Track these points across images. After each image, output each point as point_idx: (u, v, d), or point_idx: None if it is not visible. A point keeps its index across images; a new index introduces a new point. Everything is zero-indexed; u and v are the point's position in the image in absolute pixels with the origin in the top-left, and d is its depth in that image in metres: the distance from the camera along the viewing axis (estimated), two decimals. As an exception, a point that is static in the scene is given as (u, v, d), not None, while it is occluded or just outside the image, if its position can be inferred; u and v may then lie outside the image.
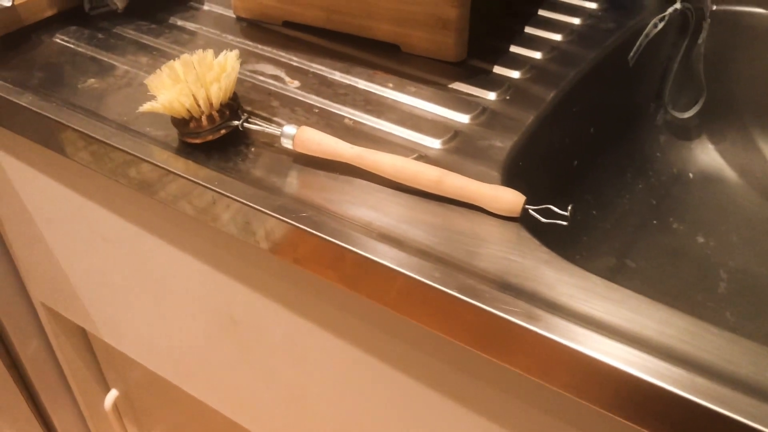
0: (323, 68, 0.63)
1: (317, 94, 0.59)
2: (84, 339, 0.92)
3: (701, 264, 0.69)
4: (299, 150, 0.51)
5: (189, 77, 0.50)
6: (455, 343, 0.43)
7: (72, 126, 0.55)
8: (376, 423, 0.57)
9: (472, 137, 0.55)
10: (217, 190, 0.48)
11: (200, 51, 0.52)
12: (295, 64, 0.64)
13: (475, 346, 0.42)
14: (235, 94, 0.53)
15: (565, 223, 0.46)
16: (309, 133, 0.50)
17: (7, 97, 0.58)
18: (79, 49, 0.65)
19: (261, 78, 0.61)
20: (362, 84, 0.61)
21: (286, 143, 0.51)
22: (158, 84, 0.51)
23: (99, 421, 1.02)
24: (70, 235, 0.70)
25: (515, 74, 0.63)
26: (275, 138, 0.53)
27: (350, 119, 0.56)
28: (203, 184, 0.49)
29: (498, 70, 0.63)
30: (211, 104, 0.50)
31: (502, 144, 0.54)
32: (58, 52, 0.65)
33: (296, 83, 0.61)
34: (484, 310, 0.39)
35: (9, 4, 0.63)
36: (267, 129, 0.52)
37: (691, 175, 0.79)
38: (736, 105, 0.77)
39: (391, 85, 0.60)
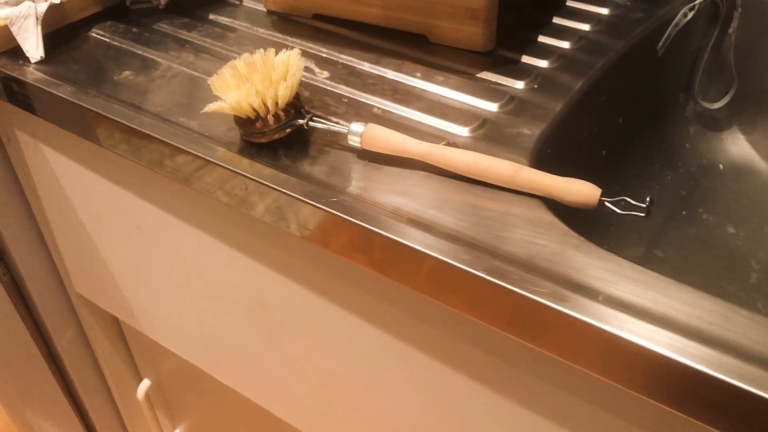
0: (352, 59, 0.63)
1: (346, 84, 0.60)
2: (117, 329, 0.93)
3: (731, 254, 0.69)
4: (366, 147, 0.51)
5: (255, 77, 0.50)
6: (484, 325, 0.44)
7: (117, 119, 0.56)
8: (406, 407, 0.58)
9: (501, 125, 0.55)
10: (253, 178, 0.49)
11: (261, 50, 0.52)
12: (324, 55, 0.64)
13: (504, 328, 0.42)
14: (297, 93, 0.53)
15: (642, 215, 0.46)
16: (377, 131, 0.50)
17: (47, 89, 0.60)
18: (115, 43, 0.67)
19: (291, 69, 0.62)
20: (390, 74, 0.61)
21: (353, 140, 0.51)
22: (222, 84, 0.51)
23: (132, 410, 1.04)
24: (104, 225, 0.72)
25: (543, 63, 0.63)
26: (337, 135, 0.53)
27: (379, 108, 0.57)
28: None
29: (526, 59, 0.63)
30: (276, 103, 0.50)
31: (530, 132, 0.54)
32: (100, 47, 0.66)
33: (326, 74, 0.61)
34: (512, 291, 0.40)
35: (58, 0, 0.65)
36: (333, 127, 0.52)
37: (721, 166, 0.78)
38: (767, 95, 0.77)
39: (419, 74, 0.61)
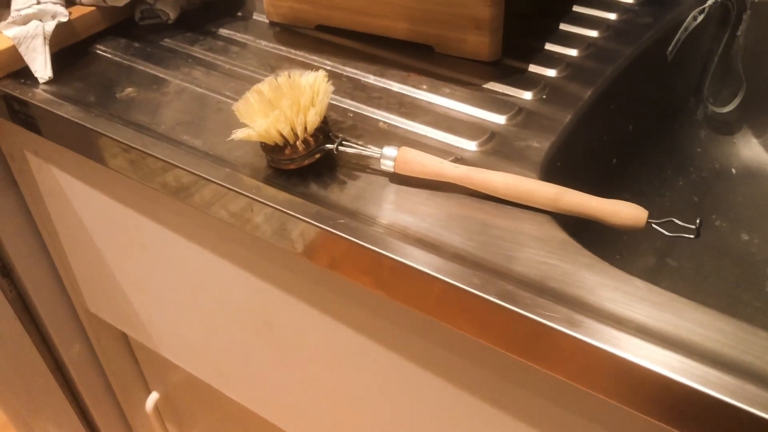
0: (357, 72, 0.63)
1: (351, 98, 0.59)
2: (125, 342, 0.93)
3: (746, 262, 0.68)
4: (400, 172, 0.49)
5: (283, 102, 0.49)
6: (494, 349, 0.43)
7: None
8: (415, 428, 0.57)
9: (509, 138, 0.54)
10: (258, 199, 0.49)
11: (286, 73, 0.51)
12: (328, 68, 0.63)
13: (516, 353, 0.41)
14: (325, 117, 0.51)
15: (692, 236, 0.45)
16: (411, 154, 0.49)
17: (53, 110, 0.59)
18: (123, 60, 0.66)
19: (295, 83, 0.61)
20: (396, 86, 0.60)
21: (386, 165, 0.49)
22: (249, 110, 0.49)
23: (141, 423, 1.03)
24: (109, 243, 0.71)
25: (551, 73, 0.62)
26: (366, 158, 0.51)
27: (384, 122, 0.56)
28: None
29: (533, 68, 0.62)
30: (305, 129, 0.49)
31: (540, 144, 0.53)
32: (108, 64, 0.65)
33: (330, 88, 0.60)
34: (524, 316, 0.39)
35: (66, 19, 0.64)
36: (364, 151, 0.50)
37: (733, 170, 0.77)
38: (779, 97, 0.76)
39: (425, 86, 0.60)
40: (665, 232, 0.46)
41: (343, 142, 0.51)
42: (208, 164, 0.52)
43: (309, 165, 0.50)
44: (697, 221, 0.46)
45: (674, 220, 0.46)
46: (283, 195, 0.49)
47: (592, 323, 0.38)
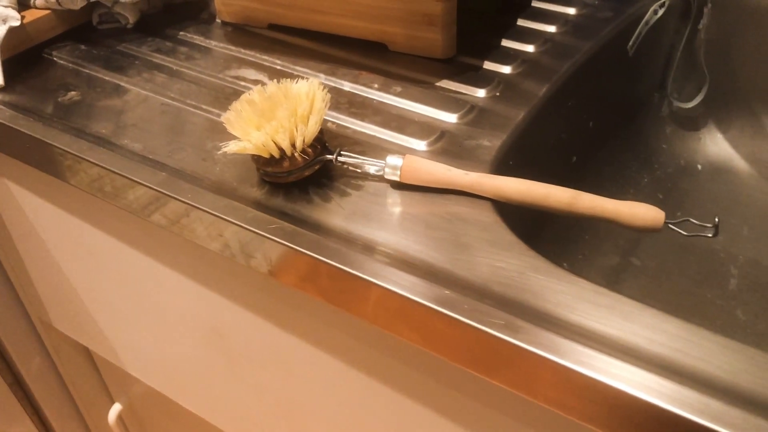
0: (307, 71, 0.61)
1: (299, 98, 0.57)
2: (86, 354, 0.91)
3: (710, 260, 0.66)
4: (406, 181, 0.47)
5: (279, 113, 0.46)
6: (438, 357, 0.41)
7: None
8: (368, 437, 0.55)
9: (459, 137, 0.52)
10: (194, 204, 0.47)
11: (275, 83, 0.48)
12: (278, 67, 0.62)
13: (457, 361, 0.40)
14: (321, 127, 0.48)
15: (710, 235, 0.44)
16: (418, 163, 0.47)
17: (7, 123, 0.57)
18: (78, 67, 0.63)
19: (243, 84, 0.59)
20: (347, 86, 0.59)
21: (391, 175, 0.47)
22: (240, 122, 0.47)
23: (105, 435, 1.01)
24: (61, 254, 0.69)
25: (506, 69, 0.60)
26: (364, 168, 0.49)
27: (333, 123, 0.54)
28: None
29: (488, 65, 0.61)
30: (303, 139, 0.46)
31: (490, 143, 0.52)
32: (63, 71, 0.63)
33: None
34: (462, 322, 0.37)
35: (18, 23, 0.61)
36: (366, 161, 0.48)
37: (699, 166, 0.76)
38: (743, 91, 0.74)
39: (376, 85, 0.58)
40: (682, 232, 0.44)
41: (342, 153, 0.48)
42: (144, 168, 0.50)
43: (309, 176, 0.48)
44: (715, 220, 0.44)
45: (690, 219, 0.44)
46: (221, 200, 0.47)
47: (533, 329, 0.36)
